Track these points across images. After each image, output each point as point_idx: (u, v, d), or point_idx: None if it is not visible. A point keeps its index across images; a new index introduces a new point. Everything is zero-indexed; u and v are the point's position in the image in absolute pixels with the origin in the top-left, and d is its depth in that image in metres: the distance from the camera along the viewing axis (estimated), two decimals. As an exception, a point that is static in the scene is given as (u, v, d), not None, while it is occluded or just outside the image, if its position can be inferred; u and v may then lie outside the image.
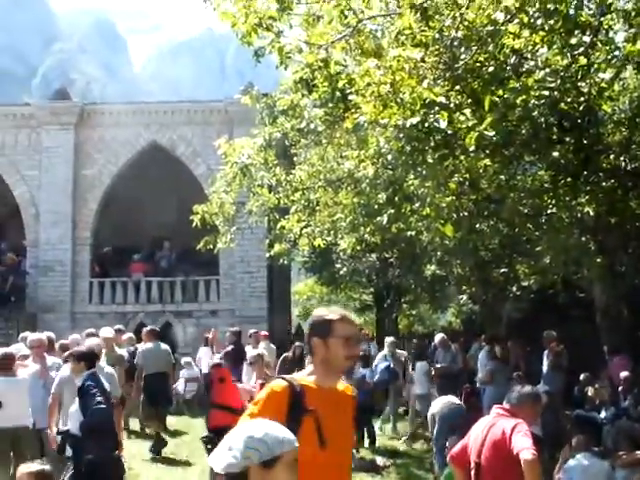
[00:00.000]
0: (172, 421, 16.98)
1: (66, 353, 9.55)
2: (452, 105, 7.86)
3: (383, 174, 11.62)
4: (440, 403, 11.39)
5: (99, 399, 7.61)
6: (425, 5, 7.22)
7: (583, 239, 12.18)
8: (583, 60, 7.77)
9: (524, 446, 5.14)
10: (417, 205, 10.16)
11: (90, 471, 7.36)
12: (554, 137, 9.25)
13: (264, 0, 7.97)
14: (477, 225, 11.96)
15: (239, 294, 25.53)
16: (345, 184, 12.95)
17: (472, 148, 7.17)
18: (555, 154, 9.36)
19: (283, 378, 3.77)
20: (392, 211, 11.19)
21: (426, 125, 7.72)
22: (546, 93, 7.33)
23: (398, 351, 17.10)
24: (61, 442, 8.34)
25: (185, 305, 25.88)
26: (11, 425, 8.76)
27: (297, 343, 17.12)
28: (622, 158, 9.88)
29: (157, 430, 13.94)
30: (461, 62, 7.81)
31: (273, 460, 2.61)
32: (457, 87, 8.27)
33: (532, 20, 7.48)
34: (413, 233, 13.24)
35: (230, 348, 15.54)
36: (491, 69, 7.93)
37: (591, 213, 10.38)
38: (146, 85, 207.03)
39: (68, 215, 25.94)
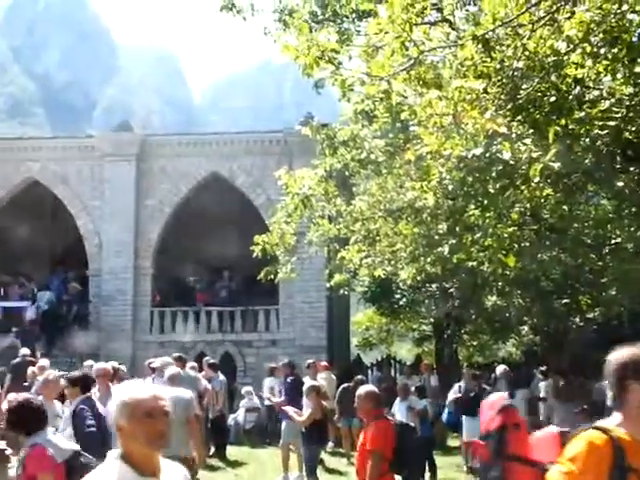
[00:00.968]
0: (232, 451, 17.03)
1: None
2: (514, 135, 7.82)
3: (444, 204, 11.56)
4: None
5: (90, 423, 7.71)
6: (487, 36, 7.21)
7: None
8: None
9: None
10: (478, 235, 10.07)
11: None
12: (618, 166, 9.13)
13: (325, 33, 8.05)
14: (539, 255, 11.80)
15: (299, 324, 25.55)
16: (405, 214, 12.91)
17: (536, 179, 7.11)
18: (619, 184, 9.24)
19: (598, 428, 3.30)
20: (453, 241, 11.12)
21: (487, 156, 7.70)
22: (611, 123, 7.26)
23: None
24: None
25: (245, 335, 25.99)
26: None
27: (359, 376, 17.05)
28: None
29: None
30: (523, 92, 7.77)
31: None
32: (519, 117, 8.23)
33: (595, 49, 7.42)
34: (474, 263, 13.12)
35: (290, 380, 15.61)
36: (553, 99, 7.88)
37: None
38: (205, 116, 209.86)
39: (130, 245, 26.35)
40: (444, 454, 16.54)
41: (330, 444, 17.13)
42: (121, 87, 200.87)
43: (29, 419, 6.11)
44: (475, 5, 10.29)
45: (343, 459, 16.59)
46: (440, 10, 8.76)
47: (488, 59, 7.40)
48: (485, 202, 9.15)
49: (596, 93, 7.92)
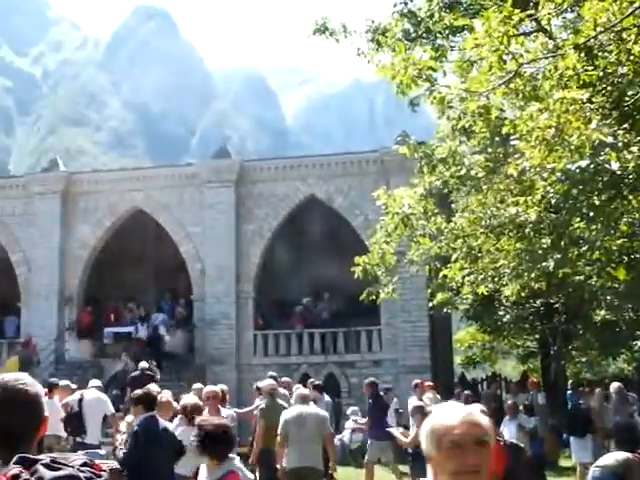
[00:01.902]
0: (338, 471, 16.95)
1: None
2: (620, 144, 7.57)
3: (546, 218, 11.30)
4: (612, 459, 10.65)
5: (133, 443, 8.30)
6: (589, 44, 7.03)
7: None
8: None
9: None
10: (585, 249, 9.79)
11: None
12: None
13: (420, 50, 8.00)
14: (651, 267, 11.39)
15: (401, 343, 25.38)
16: (507, 230, 12.67)
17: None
18: None
19: None
20: (558, 256, 10.83)
21: (592, 167, 7.48)
22: None
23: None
24: None
25: (348, 356, 25.96)
26: None
27: (466, 392, 16.83)
28: None
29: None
30: (628, 99, 7.54)
31: None
32: (625, 125, 7.98)
33: None
34: (581, 277, 12.77)
35: (371, 400, 15.65)
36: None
37: None
38: (297, 137, 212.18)
39: (232, 269, 26.72)
40: (558, 475, 16.07)
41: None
42: (215, 113, 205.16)
43: (225, 445, 6.03)
44: (573, 12, 10.08)
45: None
46: (537, 20, 8.61)
47: (591, 67, 7.21)
48: (591, 214, 8.87)
49: None
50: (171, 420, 10.19)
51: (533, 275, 12.85)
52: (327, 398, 17.40)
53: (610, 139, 7.05)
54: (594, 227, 9.17)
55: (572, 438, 15.14)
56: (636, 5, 6.44)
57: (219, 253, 26.72)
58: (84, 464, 2.40)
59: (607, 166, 6.90)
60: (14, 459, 2.34)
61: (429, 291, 16.84)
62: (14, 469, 2.30)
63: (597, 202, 8.89)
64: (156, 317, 27.12)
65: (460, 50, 10.55)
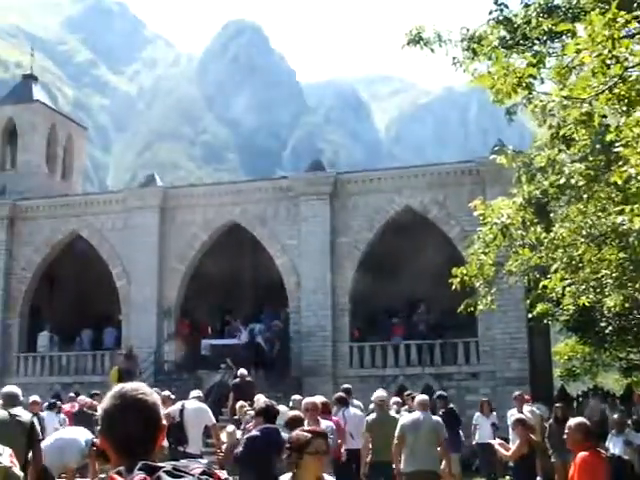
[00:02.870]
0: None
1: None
2: None
3: (651, 227, 10.96)
4: None
5: (242, 450, 8.78)
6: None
7: None
8: None
9: None
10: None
11: None
12: None
13: (520, 58, 7.88)
14: None
15: (499, 355, 24.98)
16: (609, 239, 12.36)
17: None
18: None
19: None
20: (665, 265, 10.51)
21: None
22: None
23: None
24: None
25: (445, 367, 25.72)
26: None
27: (557, 404, 16.52)
28: None
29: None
30: None
31: None
32: None
33: None
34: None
35: (442, 412, 15.58)
36: None
37: None
38: (389, 148, 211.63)
39: (327, 282, 26.81)
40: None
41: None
42: (307, 126, 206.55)
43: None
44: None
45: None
46: (641, 22, 8.38)
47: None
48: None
49: None
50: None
51: (637, 285, 12.51)
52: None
53: None
54: None
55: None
56: None
57: (314, 266, 26.86)
58: (203, 472, 2.45)
59: None
60: (138, 466, 2.41)
61: (528, 302, 16.55)
62: (138, 475, 2.36)
63: None
64: (253, 328, 27.43)
65: (558, 56, 10.35)
